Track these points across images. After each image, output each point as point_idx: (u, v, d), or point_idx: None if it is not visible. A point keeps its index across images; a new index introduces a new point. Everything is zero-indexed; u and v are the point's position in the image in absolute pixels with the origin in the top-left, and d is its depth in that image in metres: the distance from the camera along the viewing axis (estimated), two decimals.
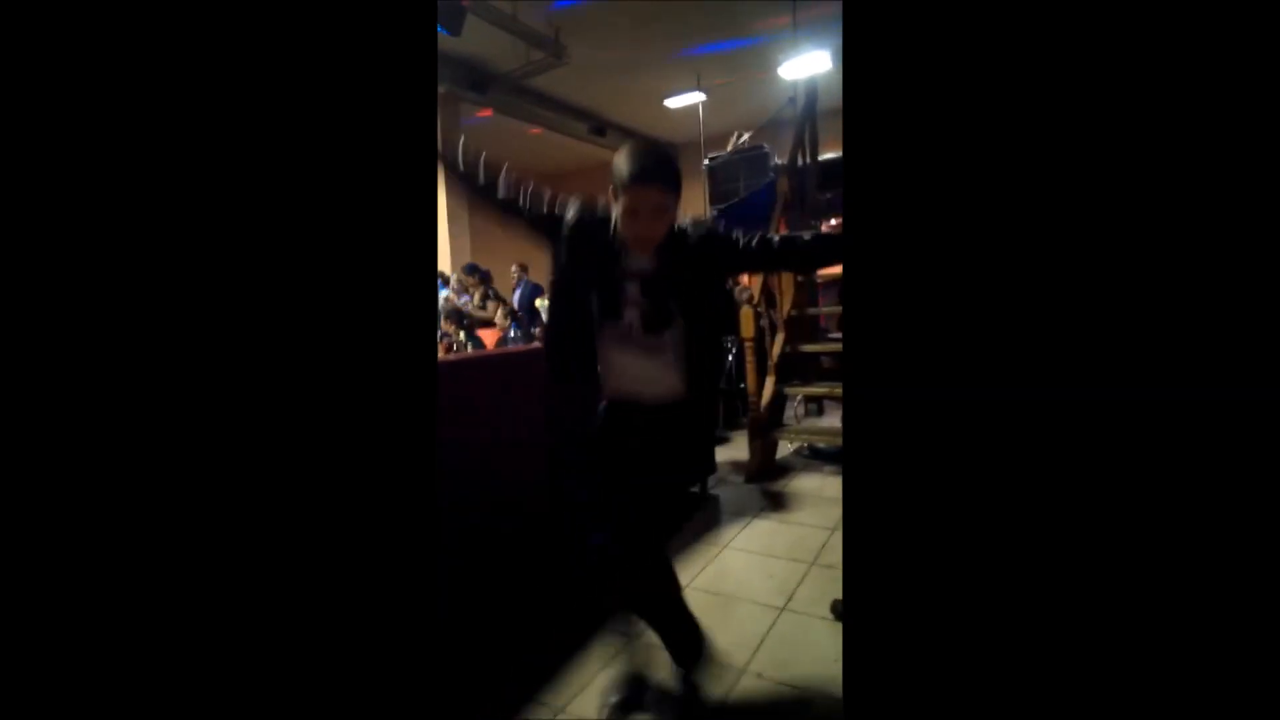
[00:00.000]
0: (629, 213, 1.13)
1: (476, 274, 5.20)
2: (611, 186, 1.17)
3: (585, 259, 1.22)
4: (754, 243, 1.22)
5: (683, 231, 1.22)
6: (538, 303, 4.83)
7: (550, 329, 1.35)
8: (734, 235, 1.24)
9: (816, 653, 1.60)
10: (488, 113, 6.45)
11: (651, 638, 1.36)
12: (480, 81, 6.32)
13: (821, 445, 3.51)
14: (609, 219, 1.21)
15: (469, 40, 4.96)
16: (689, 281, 1.21)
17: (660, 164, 1.13)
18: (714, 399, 1.16)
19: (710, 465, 2.99)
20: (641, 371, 1.23)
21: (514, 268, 5.90)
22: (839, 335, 3.85)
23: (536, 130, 6.49)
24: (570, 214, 1.23)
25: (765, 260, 1.39)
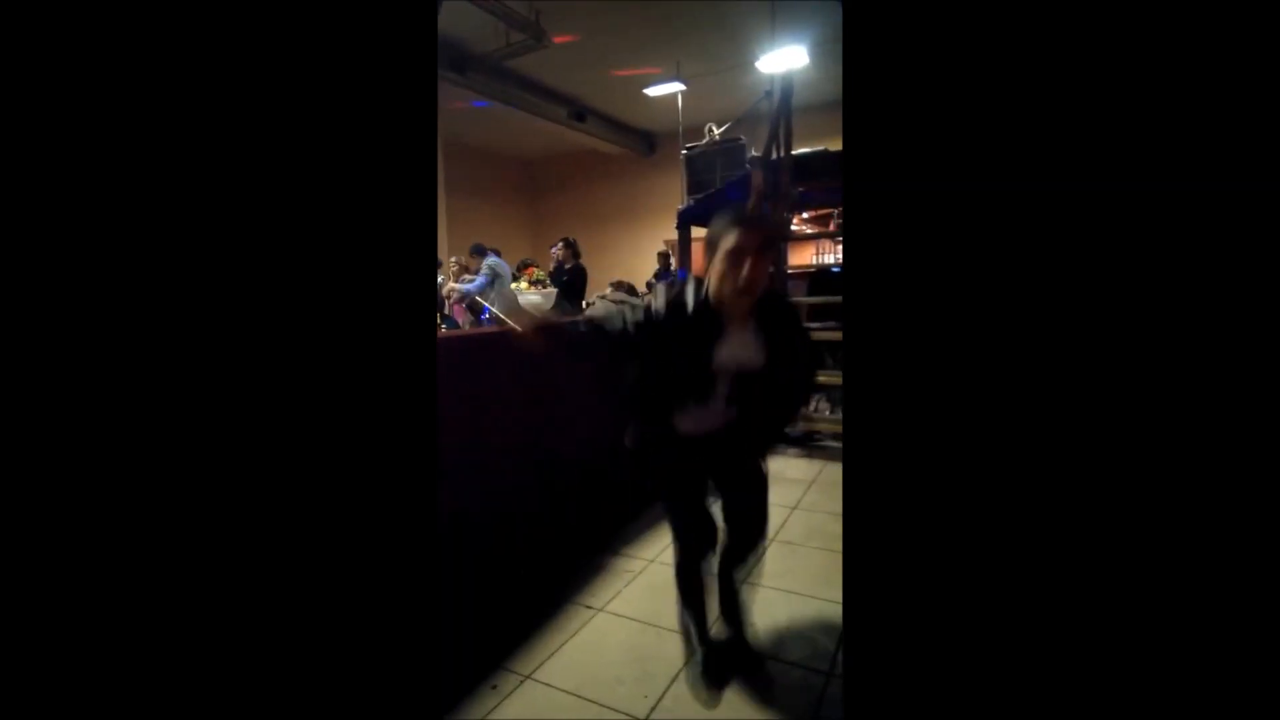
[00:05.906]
0: (732, 259, 1.25)
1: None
2: (705, 256, 1.29)
3: (677, 341, 1.30)
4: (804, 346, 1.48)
5: (772, 299, 1.36)
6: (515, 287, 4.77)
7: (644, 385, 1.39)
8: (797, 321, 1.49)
9: (771, 622, 1.70)
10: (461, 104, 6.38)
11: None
12: (459, 61, 6.23)
13: (787, 430, 3.62)
14: (689, 300, 1.30)
15: (447, 18, 4.90)
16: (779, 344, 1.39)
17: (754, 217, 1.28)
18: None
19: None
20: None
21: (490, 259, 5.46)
22: (810, 326, 3.95)
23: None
24: (659, 301, 1.32)
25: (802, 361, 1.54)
